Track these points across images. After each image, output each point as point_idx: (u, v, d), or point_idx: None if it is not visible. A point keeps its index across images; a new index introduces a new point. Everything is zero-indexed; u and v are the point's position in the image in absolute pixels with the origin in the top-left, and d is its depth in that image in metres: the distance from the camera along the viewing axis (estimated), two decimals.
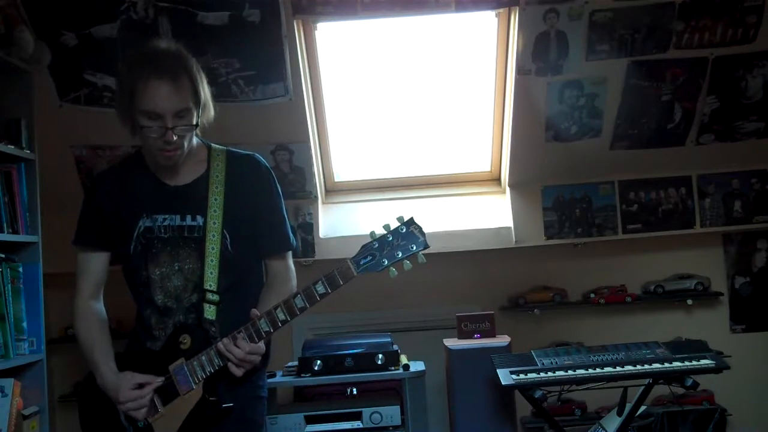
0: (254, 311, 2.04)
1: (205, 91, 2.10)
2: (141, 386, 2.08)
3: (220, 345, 2.03)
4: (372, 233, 1.99)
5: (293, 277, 2.26)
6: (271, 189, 2.24)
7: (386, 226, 1.98)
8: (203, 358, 2.05)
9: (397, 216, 2.00)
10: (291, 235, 2.28)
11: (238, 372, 2.04)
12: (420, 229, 1.98)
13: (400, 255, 1.96)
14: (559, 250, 4.23)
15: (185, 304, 2.14)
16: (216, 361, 2.04)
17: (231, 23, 3.49)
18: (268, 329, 2.02)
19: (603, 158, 4.06)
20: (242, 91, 3.68)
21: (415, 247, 1.97)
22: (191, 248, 2.14)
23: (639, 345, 3.21)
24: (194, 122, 2.07)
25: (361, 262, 1.97)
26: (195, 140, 2.17)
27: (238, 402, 2.14)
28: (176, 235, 2.15)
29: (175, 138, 2.03)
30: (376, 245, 1.97)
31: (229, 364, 2.02)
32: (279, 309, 2.01)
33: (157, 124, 2.02)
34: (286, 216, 2.28)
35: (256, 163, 2.25)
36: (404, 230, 1.97)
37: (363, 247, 1.98)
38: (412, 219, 1.99)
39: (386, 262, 1.97)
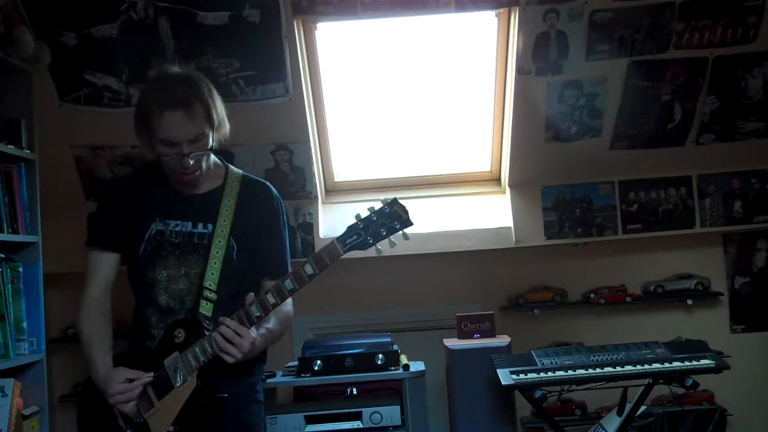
0: (250, 295, 2.09)
1: (219, 112, 2.17)
2: (131, 381, 2.12)
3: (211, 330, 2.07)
4: (357, 215, 2.03)
5: (289, 300, 2.24)
6: (278, 217, 2.33)
7: (371, 208, 2.03)
8: (197, 349, 2.09)
9: (382, 198, 2.03)
10: (289, 264, 2.35)
11: (228, 359, 2.04)
12: (403, 208, 2.02)
13: (384, 233, 2.01)
14: (559, 250, 4.23)
15: (187, 305, 2.19)
16: (209, 350, 2.07)
17: (231, 23, 3.49)
18: (258, 314, 2.06)
19: (603, 158, 4.06)
20: (242, 91, 3.68)
21: (398, 225, 2.01)
22: (199, 254, 2.20)
23: (639, 345, 3.21)
24: (209, 146, 2.16)
25: (347, 241, 2.01)
26: (213, 158, 2.25)
27: (235, 404, 2.17)
28: (186, 241, 2.22)
29: (191, 162, 2.13)
30: (362, 225, 2.02)
31: (218, 340, 2.03)
32: (269, 293, 2.06)
33: (173, 151, 2.12)
34: (288, 246, 2.36)
35: (269, 190, 2.34)
36: (388, 210, 2.01)
37: (349, 227, 2.03)
38: (395, 199, 2.03)
39: (371, 240, 2.01)
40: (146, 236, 2.22)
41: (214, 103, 2.15)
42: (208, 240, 2.20)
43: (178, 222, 2.23)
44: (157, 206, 2.24)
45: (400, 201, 2.02)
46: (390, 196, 2.06)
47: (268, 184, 2.37)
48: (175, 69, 2.22)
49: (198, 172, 2.17)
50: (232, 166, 2.34)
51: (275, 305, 2.06)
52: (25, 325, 3.17)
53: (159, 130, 2.09)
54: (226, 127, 2.21)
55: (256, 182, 2.35)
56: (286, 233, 2.36)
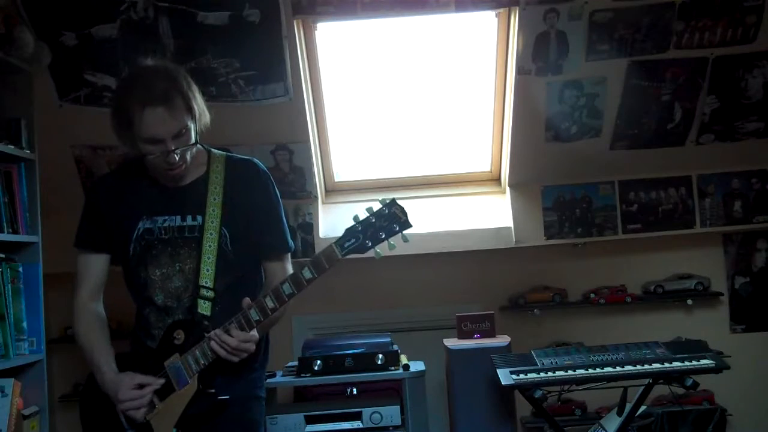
0: (246, 299, 2.05)
1: (199, 103, 2.11)
2: (141, 386, 2.09)
3: (212, 334, 2.04)
4: (355, 217, 2.00)
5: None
6: (269, 192, 2.26)
7: (369, 209, 1.99)
8: (197, 351, 2.07)
9: (380, 199, 2.00)
10: (289, 238, 2.29)
11: (234, 359, 2.04)
12: (402, 209, 1.98)
13: (383, 236, 1.97)
14: (559, 250, 4.23)
15: (185, 303, 2.16)
16: (210, 353, 2.05)
17: (231, 23, 3.49)
18: (258, 318, 2.04)
19: (603, 158, 4.06)
20: (242, 91, 3.68)
21: (398, 227, 1.97)
22: (191, 248, 2.16)
23: (639, 345, 3.21)
24: (193, 139, 2.11)
25: (345, 245, 1.98)
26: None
27: (237, 401, 2.15)
28: (176, 235, 2.17)
29: (177, 158, 2.08)
30: (360, 228, 1.98)
31: (223, 352, 2.02)
32: (267, 297, 2.03)
33: (158, 149, 2.06)
34: (284, 220, 2.30)
35: (254, 167, 2.27)
36: (387, 211, 1.98)
37: (347, 230, 1.99)
38: (393, 200, 1.99)
39: (370, 244, 1.97)
40: (134, 236, 2.18)
41: (194, 94, 2.09)
42: (199, 232, 2.15)
43: (166, 217, 2.18)
44: (142, 203, 2.20)
45: (399, 202, 1.99)
46: (390, 196, 2.03)
47: (254, 159, 2.30)
48: (150, 62, 2.15)
49: (183, 166, 2.12)
50: (213, 149, 2.27)
51: (274, 309, 2.03)
52: (25, 325, 3.17)
53: (141, 129, 2.03)
54: (207, 116, 2.15)
55: (241, 161, 2.27)
56: (280, 207, 2.28)
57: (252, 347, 2.05)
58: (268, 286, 2.22)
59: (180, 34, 3.50)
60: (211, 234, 2.15)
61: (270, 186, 2.27)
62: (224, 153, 2.27)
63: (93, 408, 2.20)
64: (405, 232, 1.98)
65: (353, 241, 1.98)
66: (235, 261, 2.18)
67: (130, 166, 2.27)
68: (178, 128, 2.05)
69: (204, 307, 2.12)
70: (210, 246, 2.14)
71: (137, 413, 2.09)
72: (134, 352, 2.23)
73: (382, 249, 1.99)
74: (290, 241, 2.29)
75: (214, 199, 2.17)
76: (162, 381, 2.09)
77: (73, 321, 2.24)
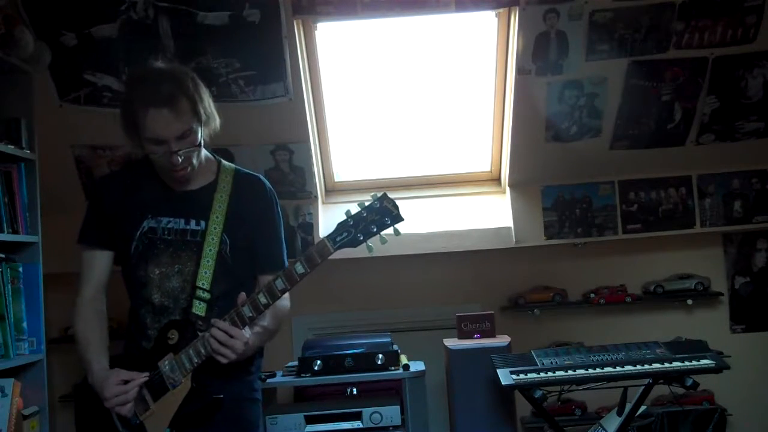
0: (242, 295, 2.07)
1: (206, 107, 2.14)
2: (126, 382, 2.09)
3: (212, 324, 2.05)
4: (347, 212, 2.00)
5: (285, 295, 2.23)
6: (272, 210, 2.30)
7: (360, 204, 2.00)
8: (190, 350, 2.08)
9: (371, 194, 2.01)
10: (285, 258, 2.32)
11: (222, 360, 2.04)
12: (393, 203, 1.99)
13: (375, 229, 1.98)
14: (559, 250, 4.23)
15: (181, 304, 2.17)
16: (203, 351, 2.06)
17: (231, 23, 3.49)
18: (251, 314, 2.04)
19: (603, 158, 4.06)
20: (242, 91, 3.68)
21: (389, 221, 1.98)
22: (192, 251, 2.18)
23: (639, 345, 3.21)
24: (198, 141, 2.13)
25: (337, 239, 1.99)
26: (204, 152, 2.22)
27: (232, 402, 2.16)
28: (179, 238, 2.19)
29: (180, 159, 2.10)
30: (351, 222, 1.99)
31: (212, 349, 2.02)
32: (260, 293, 2.04)
33: (162, 149, 2.09)
34: (283, 239, 2.34)
35: (262, 184, 2.32)
36: (378, 205, 1.98)
37: (339, 224, 2.00)
38: (385, 194, 2.00)
39: (362, 238, 1.98)
40: (138, 234, 2.20)
41: (201, 97, 2.12)
42: (201, 237, 2.18)
43: (171, 219, 2.20)
44: (148, 203, 2.22)
45: (390, 196, 1.99)
46: (389, 195, 2.03)
47: (261, 177, 2.34)
48: (159, 64, 2.18)
49: (189, 169, 2.14)
50: (224, 161, 2.31)
51: (267, 305, 2.04)
52: (25, 325, 3.16)
53: (145, 129, 2.06)
54: (216, 121, 2.17)
55: (249, 176, 2.32)
56: (281, 227, 2.33)
57: (240, 346, 2.04)
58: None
59: (180, 34, 3.50)
60: (212, 239, 2.17)
61: (274, 205, 2.31)
62: (234, 166, 2.31)
63: (87, 409, 2.20)
64: (397, 225, 1.98)
65: (345, 235, 1.99)
66: (233, 268, 2.20)
67: (137, 166, 2.29)
68: (181, 130, 2.07)
69: (199, 308, 2.13)
70: (210, 251, 2.17)
71: (123, 409, 2.09)
72: (128, 354, 2.23)
73: (374, 243, 1.99)
74: (286, 261, 2.31)
75: (219, 207, 2.20)
76: (146, 375, 2.10)
77: (73, 317, 2.24)
